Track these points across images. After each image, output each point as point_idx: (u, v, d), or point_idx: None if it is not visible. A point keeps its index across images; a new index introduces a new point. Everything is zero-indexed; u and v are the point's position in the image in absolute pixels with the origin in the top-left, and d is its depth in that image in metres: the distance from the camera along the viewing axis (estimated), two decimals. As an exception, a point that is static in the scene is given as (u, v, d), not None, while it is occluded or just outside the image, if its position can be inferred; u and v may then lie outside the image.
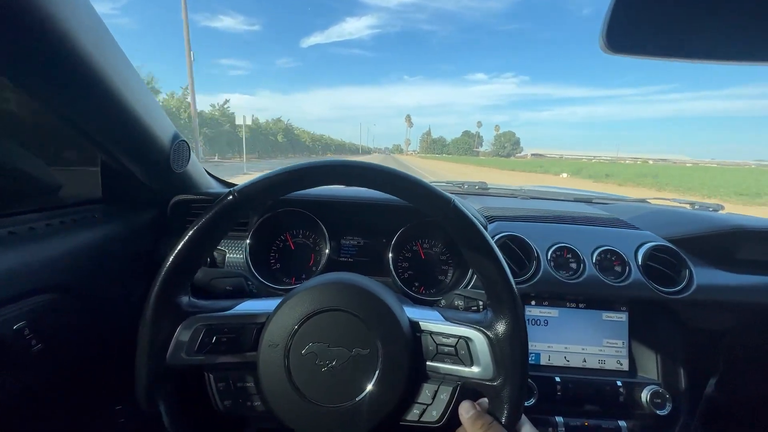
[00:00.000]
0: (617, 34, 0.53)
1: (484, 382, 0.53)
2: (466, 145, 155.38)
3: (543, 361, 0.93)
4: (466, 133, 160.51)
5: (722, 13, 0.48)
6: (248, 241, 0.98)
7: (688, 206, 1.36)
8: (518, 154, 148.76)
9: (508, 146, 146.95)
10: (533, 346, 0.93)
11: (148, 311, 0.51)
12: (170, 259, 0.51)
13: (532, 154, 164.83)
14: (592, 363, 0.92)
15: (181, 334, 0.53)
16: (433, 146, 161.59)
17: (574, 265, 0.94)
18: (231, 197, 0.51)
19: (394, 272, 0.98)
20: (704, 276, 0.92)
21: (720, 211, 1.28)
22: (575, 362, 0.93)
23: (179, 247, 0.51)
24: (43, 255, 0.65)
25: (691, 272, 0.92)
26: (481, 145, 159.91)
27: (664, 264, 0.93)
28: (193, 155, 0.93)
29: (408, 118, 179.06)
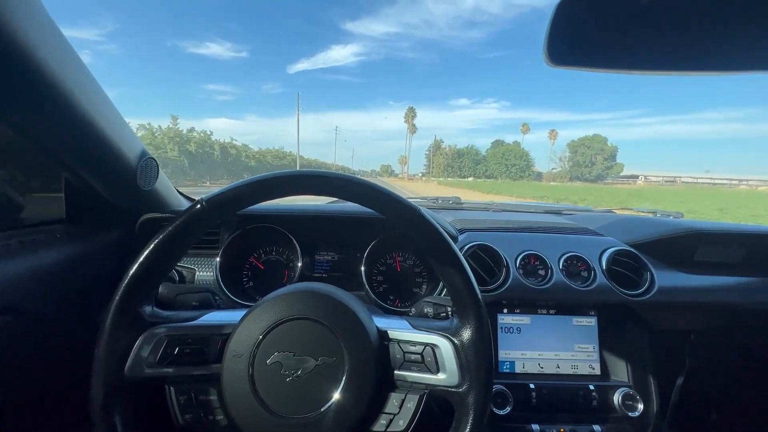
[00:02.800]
0: (557, 48, 0.55)
1: (450, 389, 0.54)
2: (523, 162, 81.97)
3: (518, 369, 0.93)
4: (498, 144, 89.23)
5: (652, 27, 0.53)
6: (218, 258, 0.97)
7: (651, 215, 1.42)
8: (618, 176, 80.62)
9: (598, 162, 77.91)
10: (507, 354, 0.94)
11: (107, 320, 0.50)
12: (135, 267, 0.51)
13: (642, 177, 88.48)
14: (566, 368, 0.94)
15: (142, 344, 0.52)
16: (459, 164, 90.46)
17: (542, 272, 0.96)
18: (199, 206, 0.52)
19: (367, 286, 0.98)
20: (665, 278, 0.96)
21: (680, 218, 1.35)
22: (549, 369, 0.93)
23: (145, 253, 0.51)
24: (1, 276, 0.63)
25: (652, 275, 0.95)
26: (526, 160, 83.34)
27: (626, 268, 0.97)
28: (162, 173, 0.93)
29: (410, 114, 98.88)
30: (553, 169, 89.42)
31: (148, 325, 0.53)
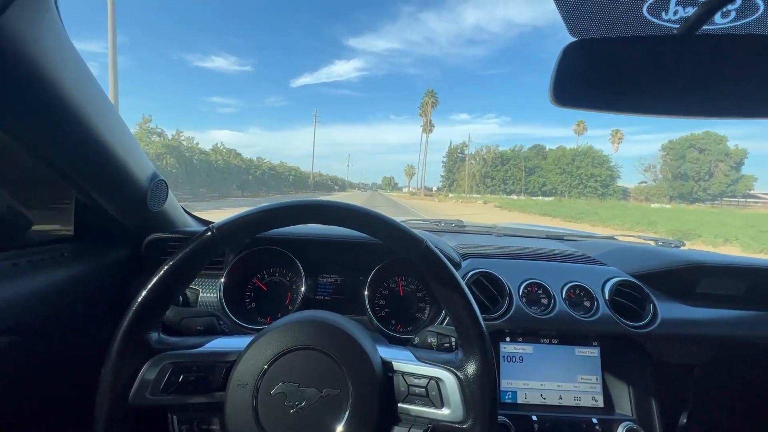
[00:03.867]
0: (562, 90, 0.58)
1: (454, 425, 0.54)
2: (605, 172, 52.98)
3: (520, 399, 0.92)
4: (537, 149, 62.90)
5: (652, 73, 0.56)
6: (223, 279, 0.97)
7: (652, 243, 1.43)
8: (747, 193, 49.80)
9: (718, 173, 49.41)
10: (510, 383, 0.93)
11: (114, 346, 0.50)
12: (143, 294, 0.52)
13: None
14: (568, 400, 0.92)
15: (148, 371, 0.52)
16: (503, 174, 62.48)
17: (545, 301, 0.96)
18: (209, 233, 0.53)
19: (370, 310, 0.98)
20: (667, 310, 0.96)
21: (681, 247, 1.35)
22: (551, 399, 0.92)
23: (154, 281, 0.52)
24: (7, 295, 0.64)
25: (655, 306, 0.95)
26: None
27: (629, 299, 0.97)
28: (171, 194, 0.94)
29: (428, 101, 65.91)
30: (641, 183, 55.12)
31: (154, 352, 0.53)
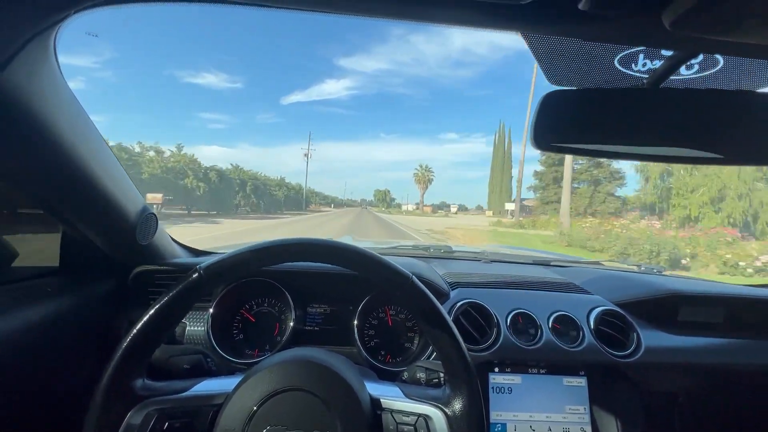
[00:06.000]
0: (540, 136, 0.61)
1: None
2: None
3: None
4: None
5: (620, 123, 0.60)
6: (211, 311, 0.96)
7: (635, 268, 1.47)
8: None
9: None
10: (499, 416, 0.93)
11: (99, 395, 0.50)
12: (128, 340, 0.51)
13: None
14: (557, 431, 0.92)
15: (132, 419, 0.51)
16: None
17: (532, 331, 0.97)
18: (196, 275, 0.54)
19: (359, 341, 0.98)
20: (651, 338, 0.98)
21: (663, 273, 1.39)
22: (541, 431, 0.92)
23: (138, 327, 0.52)
24: None
25: (638, 335, 0.97)
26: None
27: (613, 328, 0.99)
28: (160, 226, 0.94)
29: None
30: None
31: (139, 399, 0.52)
